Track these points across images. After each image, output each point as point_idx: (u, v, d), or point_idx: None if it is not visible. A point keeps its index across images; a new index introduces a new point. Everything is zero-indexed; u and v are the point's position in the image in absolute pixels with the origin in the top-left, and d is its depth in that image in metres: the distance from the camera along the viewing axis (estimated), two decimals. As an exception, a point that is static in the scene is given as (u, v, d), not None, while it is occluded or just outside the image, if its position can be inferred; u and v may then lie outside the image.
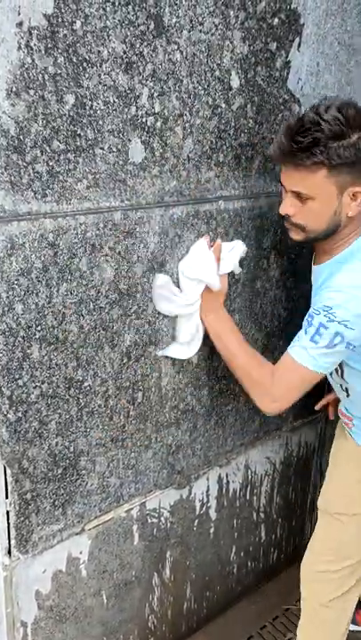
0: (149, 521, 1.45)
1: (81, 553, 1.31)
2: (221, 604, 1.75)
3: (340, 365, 1.26)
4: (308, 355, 1.15)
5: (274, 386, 1.21)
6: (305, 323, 1.16)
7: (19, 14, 0.90)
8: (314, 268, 1.30)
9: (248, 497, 1.72)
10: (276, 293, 1.55)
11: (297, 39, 1.35)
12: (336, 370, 1.29)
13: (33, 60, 0.94)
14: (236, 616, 1.77)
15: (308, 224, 1.17)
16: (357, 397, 1.30)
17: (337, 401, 1.58)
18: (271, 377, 1.21)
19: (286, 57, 1.34)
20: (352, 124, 1.07)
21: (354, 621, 1.69)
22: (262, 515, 1.79)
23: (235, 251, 1.30)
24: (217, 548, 1.67)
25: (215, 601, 1.73)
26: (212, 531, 1.64)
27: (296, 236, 1.22)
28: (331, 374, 1.30)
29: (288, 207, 1.17)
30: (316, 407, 1.61)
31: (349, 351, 1.16)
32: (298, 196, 1.14)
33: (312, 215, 1.15)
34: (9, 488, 1.13)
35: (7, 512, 1.15)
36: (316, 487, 1.97)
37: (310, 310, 1.17)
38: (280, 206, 1.18)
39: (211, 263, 1.24)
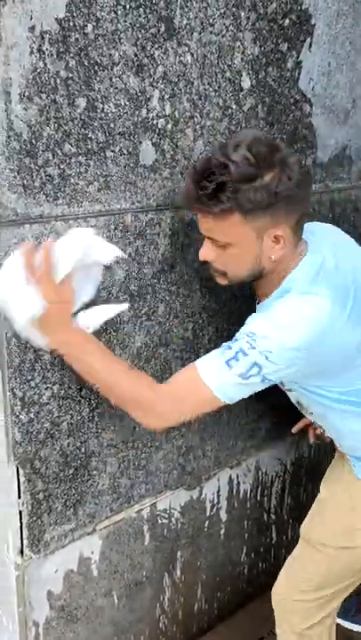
0: (160, 521, 1.45)
1: (92, 553, 1.32)
2: (232, 604, 1.75)
3: (299, 402, 1.21)
4: (216, 376, 1.03)
5: (164, 397, 1.07)
6: (225, 344, 1.06)
7: (31, 19, 0.91)
8: (257, 307, 1.19)
9: (259, 498, 1.72)
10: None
11: (308, 39, 1.35)
12: (301, 406, 1.24)
13: (45, 65, 0.94)
14: (247, 617, 1.77)
15: (229, 270, 1.09)
16: (338, 433, 1.23)
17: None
18: (157, 391, 1.08)
19: (297, 57, 1.34)
20: (263, 163, 0.97)
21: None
22: (273, 516, 1.79)
23: (83, 243, 1.01)
24: (228, 548, 1.68)
25: (226, 602, 1.73)
26: (222, 532, 1.64)
27: (221, 281, 1.14)
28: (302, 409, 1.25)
29: (206, 253, 1.08)
30: (293, 430, 1.50)
31: (263, 385, 1.06)
32: (215, 241, 1.06)
33: (232, 261, 1.07)
34: (21, 488, 1.14)
35: (20, 512, 1.16)
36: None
37: (236, 334, 1.06)
38: (199, 252, 1.10)
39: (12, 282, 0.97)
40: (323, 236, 1.16)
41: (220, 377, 1.03)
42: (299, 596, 1.32)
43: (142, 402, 1.08)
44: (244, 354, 1.01)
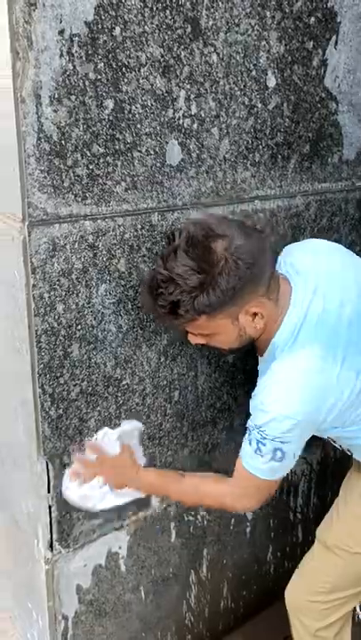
0: (186, 519, 1.46)
1: (120, 548, 1.34)
2: (259, 603, 1.75)
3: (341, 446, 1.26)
4: (259, 468, 1.10)
5: (238, 492, 1.16)
6: (246, 434, 1.11)
7: (60, 22, 0.93)
8: (259, 358, 1.23)
9: (285, 497, 1.71)
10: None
11: (334, 37, 1.34)
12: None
13: (74, 67, 0.96)
14: (273, 616, 1.76)
15: (223, 347, 1.15)
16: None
17: None
18: (226, 491, 1.18)
19: (323, 55, 1.34)
20: (206, 264, 0.97)
21: None
22: (299, 515, 1.78)
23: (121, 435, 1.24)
24: (254, 547, 1.67)
25: (252, 600, 1.73)
26: (248, 530, 1.64)
27: (223, 352, 1.25)
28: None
29: (195, 340, 1.14)
30: None
31: (297, 457, 1.11)
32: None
33: (220, 343, 1.12)
34: (51, 483, 1.16)
35: (49, 506, 1.18)
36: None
37: (248, 422, 1.11)
38: (190, 339, 1.15)
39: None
40: (309, 272, 1.13)
41: (261, 467, 1.10)
42: (313, 597, 1.32)
43: (225, 507, 1.22)
44: (263, 444, 1.07)
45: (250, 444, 1.09)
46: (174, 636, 1.54)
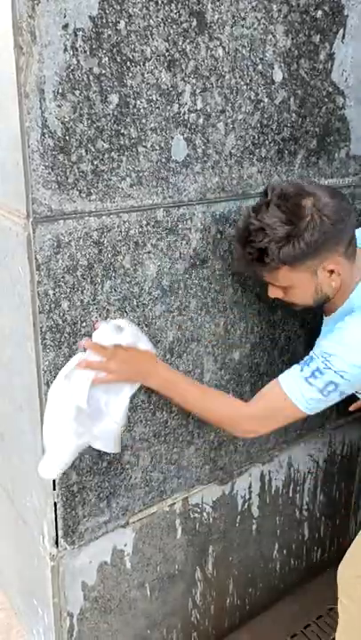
0: (192, 516, 1.46)
1: (125, 545, 1.34)
2: (264, 601, 1.75)
3: None
4: (299, 393, 1.12)
5: (251, 417, 1.18)
6: (303, 361, 1.14)
7: (64, 16, 0.92)
8: (324, 319, 1.30)
9: (291, 494, 1.71)
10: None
11: (341, 31, 1.33)
12: None
13: (78, 62, 0.95)
14: (280, 614, 1.76)
15: (297, 302, 1.20)
16: None
17: None
18: (242, 411, 1.19)
19: (330, 49, 1.32)
20: (295, 217, 1.07)
21: None
22: (305, 513, 1.78)
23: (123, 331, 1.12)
24: (259, 544, 1.67)
25: (258, 598, 1.73)
26: (254, 527, 1.63)
27: (295, 308, 1.26)
28: None
29: (274, 293, 1.20)
30: (351, 408, 1.57)
31: (342, 397, 1.14)
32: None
33: (297, 297, 1.18)
34: (56, 480, 1.16)
35: (55, 503, 1.18)
36: (361, 486, 1.94)
37: (311, 352, 1.14)
38: (268, 292, 1.21)
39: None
40: None
41: (303, 393, 1.11)
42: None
43: (231, 423, 1.22)
44: (321, 373, 1.09)
45: (302, 370, 1.12)
46: (180, 633, 1.54)
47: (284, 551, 1.76)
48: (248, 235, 1.10)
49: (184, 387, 1.20)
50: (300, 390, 1.12)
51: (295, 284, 1.15)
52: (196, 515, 1.47)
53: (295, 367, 1.15)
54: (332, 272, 1.14)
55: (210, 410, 1.21)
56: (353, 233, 1.16)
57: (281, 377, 1.16)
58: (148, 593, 1.43)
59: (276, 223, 1.07)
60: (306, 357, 1.14)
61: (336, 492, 1.86)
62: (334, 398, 1.13)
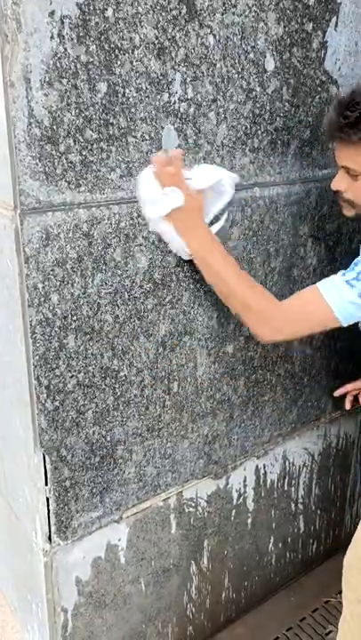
0: (186, 510, 1.45)
1: (119, 540, 1.33)
2: (260, 594, 1.75)
3: None
4: (337, 295, 1.08)
5: (283, 313, 1.13)
6: (343, 270, 1.11)
7: (50, 4, 0.90)
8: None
9: (286, 488, 1.70)
10: (314, 281, 1.52)
11: (334, 19, 1.31)
12: None
13: (65, 49, 0.93)
14: (275, 607, 1.76)
15: (357, 199, 1.15)
16: None
17: (359, 391, 1.54)
18: (277, 307, 1.14)
19: (323, 37, 1.30)
20: None
21: None
22: (301, 506, 1.77)
23: (215, 175, 1.12)
24: (255, 538, 1.67)
25: (253, 591, 1.73)
26: (249, 521, 1.63)
27: (348, 212, 1.21)
28: None
29: (338, 183, 1.16)
30: (336, 394, 1.56)
31: None
32: (348, 171, 1.13)
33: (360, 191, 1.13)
34: (48, 475, 1.15)
35: (47, 499, 1.17)
36: (357, 480, 1.93)
37: (357, 258, 1.11)
38: (332, 182, 1.17)
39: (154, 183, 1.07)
40: None
41: (342, 296, 1.07)
42: None
43: (259, 312, 1.13)
44: None
45: (344, 274, 1.09)
46: (175, 627, 1.53)
47: (280, 544, 1.76)
48: (353, 99, 1.06)
49: (222, 257, 1.12)
50: (338, 293, 1.07)
51: None
52: (191, 509, 1.46)
53: (335, 275, 1.11)
54: None
55: (243, 292, 1.13)
56: None
57: (319, 283, 1.12)
58: (143, 587, 1.42)
59: None
60: (351, 264, 1.11)
61: (331, 485, 1.85)
62: None
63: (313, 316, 1.12)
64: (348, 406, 1.56)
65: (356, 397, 1.56)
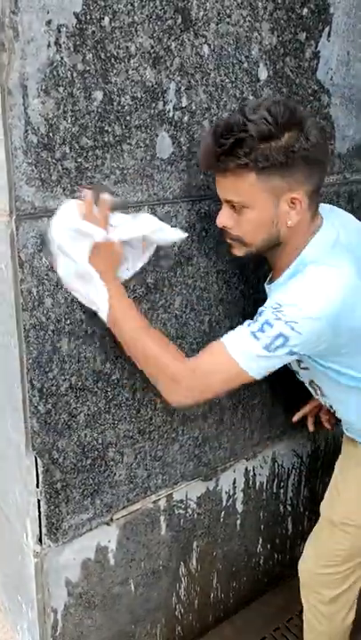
0: (176, 512, 1.47)
1: (109, 542, 1.34)
2: (248, 595, 1.77)
3: (312, 383, 1.23)
4: (243, 349, 1.02)
5: (191, 371, 1.06)
6: (249, 320, 1.05)
7: (48, 12, 0.91)
8: (267, 287, 1.20)
9: (275, 490, 1.72)
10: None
11: (327, 29, 1.33)
12: (314, 388, 1.26)
13: (62, 58, 0.95)
14: (263, 608, 1.78)
15: (246, 236, 1.08)
16: (348, 416, 1.26)
17: (317, 410, 1.53)
18: (185, 364, 1.07)
19: (316, 47, 1.32)
20: (282, 123, 0.97)
21: None
22: (289, 507, 1.79)
23: (148, 226, 1.07)
24: (243, 539, 1.69)
25: (242, 592, 1.75)
26: (238, 522, 1.65)
27: (237, 251, 1.13)
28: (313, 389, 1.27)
29: (224, 218, 1.08)
30: (294, 419, 1.53)
31: (290, 358, 1.05)
32: (233, 206, 1.06)
33: (249, 226, 1.06)
34: (40, 478, 1.16)
35: (38, 501, 1.18)
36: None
37: (260, 308, 1.05)
38: (216, 218, 1.10)
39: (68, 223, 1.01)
40: (334, 215, 1.17)
41: (247, 349, 1.02)
42: (325, 569, 1.35)
43: (168, 373, 1.07)
44: (270, 325, 1.00)
45: (249, 325, 1.03)
46: (164, 628, 1.55)
47: (268, 545, 1.78)
48: (226, 126, 0.99)
49: (126, 321, 1.07)
50: (244, 348, 1.02)
51: (253, 204, 1.03)
52: (181, 511, 1.48)
53: (241, 326, 1.05)
54: (293, 206, 1.03)
55: (144, 362, 1.09)
56: (320, 187, 1.08)
57: (225, 336, 1.06)
58: (133, 589, 1.43)
59: (261, 121, 0.97)
60: (256, 314, 1.05)
61: (320, 487, 1.88)
62: (281, 357, 1.02)
63: (221, 373, 1.05)
64: (311, 428, 1.54)
65: (316, 418, 1.55)
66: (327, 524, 1.36)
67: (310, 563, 1.41)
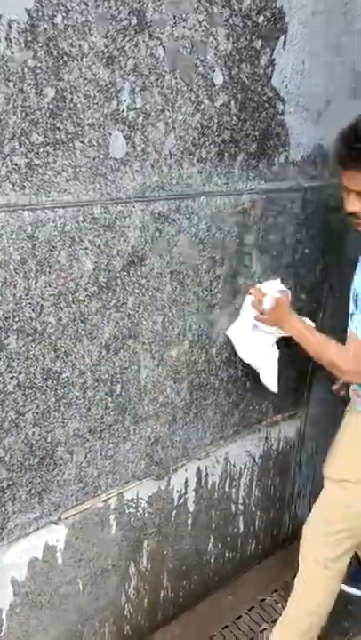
0: (127, 511, 1.47)
1: (57, 541, 1.33)
2: (198, 593, 1.78)
3: None
4: None
5: (347, 361, 1.34)
6: (353, 305, 1.28)
7: (-2, 7, 0.91)
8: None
9: (227, 489, 1.74)
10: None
11: (282, 37, 1.36)
12: None
13: (12, 53, 0.94)
14: (212, 606, 1.80)
15: None
16: None
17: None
18: (341, 354, 1.35)
19: (271, 55, 1.35)
20: None
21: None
22: (241, 507, 1.82)
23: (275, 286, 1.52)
24: (195, 538, 1.70)
25: (192, 590, 1.76)
26: (189, 521, 1.66)
27: None
28: None
29: (353, 205, 1.26)
30: (333, 388, 1.70)
31: None
32: (358, 193, 1.24)
33: None
34: None
35: (-17, 500, 1.16)
36: (295, 482, 2.00)
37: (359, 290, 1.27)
38: (345, 204, 1.28)
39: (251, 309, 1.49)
40: None
41: None
42: (326, 527, 1.48)
43: (335, 365, 1.37)
44: None
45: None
46: (112, 627, 1.55)
47: (219, 544, 1.80)
48: (355, 131, 1.19)
49: (307, 337, 1.42)
50: None
51: None
52: (132, 510, 1.48)
53: (357, 314, 1.28)
54: None
55: (321, 358, 1.40)
56: None
57: (354, 329, 1.29)
58: (81, 588, 1.43)
59: None
60: (354, 297, 1.27)
61: (271, 487, 1.91)
62: None
63: None
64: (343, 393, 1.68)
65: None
66: (328, 482, 1.50)
67: (314, 522, 1.52)
